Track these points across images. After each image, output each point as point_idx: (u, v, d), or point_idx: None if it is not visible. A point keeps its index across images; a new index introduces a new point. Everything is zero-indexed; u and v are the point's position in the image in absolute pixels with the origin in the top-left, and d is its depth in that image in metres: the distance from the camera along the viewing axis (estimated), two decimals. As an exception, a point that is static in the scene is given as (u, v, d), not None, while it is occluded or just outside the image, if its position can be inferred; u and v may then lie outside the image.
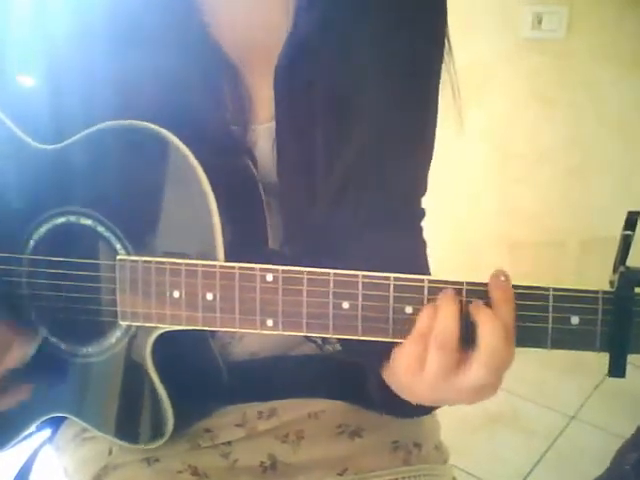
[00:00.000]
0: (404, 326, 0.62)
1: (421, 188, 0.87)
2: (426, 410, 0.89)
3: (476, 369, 0.60)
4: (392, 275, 0.61)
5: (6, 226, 0.77)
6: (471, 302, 0.61)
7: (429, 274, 0.80)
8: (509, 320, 0.59)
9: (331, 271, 0.63)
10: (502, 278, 0.60)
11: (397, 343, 0.64)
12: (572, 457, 2.00)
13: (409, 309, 0.61)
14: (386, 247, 0.79)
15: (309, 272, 0.63)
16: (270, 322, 0.66)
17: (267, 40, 0.76)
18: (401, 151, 0.79)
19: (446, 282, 0.61)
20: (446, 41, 0.80)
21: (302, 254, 0.79)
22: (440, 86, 0.81)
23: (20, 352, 0.76)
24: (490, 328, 0.59)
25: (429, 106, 0.82)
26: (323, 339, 0.87)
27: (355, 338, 0.64)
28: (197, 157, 0.67)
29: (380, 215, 0.80)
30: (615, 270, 0.58)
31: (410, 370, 0.63)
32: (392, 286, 0.61)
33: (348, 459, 0.84)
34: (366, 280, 0.62)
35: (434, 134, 0.84)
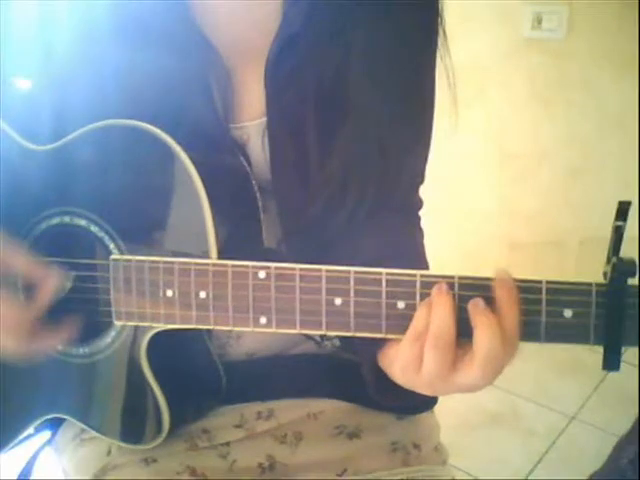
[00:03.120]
0: (397, 322, 0.62)
1: (419, 177, 0.87)
2: (425, 405, 0.89)
3: (472, 371, 0.59)
4: (384, 270, 0.61)
5: (1, 227, 0.77)
6: (469, 298, 0.60)
7: (427, 264, 0.80)
8: (510, 321, 0.58)
9: (323, 267, 0.63)
10: (507, 277, 0.59)
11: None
12: (572, 457, 2.00)
13: (401, 304, 0.61)
14: (386, 239, 0.80)
15: (301, 269, 0.63)
16: (263, 319, 0.65)
17: (258, 38, 0.76)
18: (396, 142, 0.79)
19: (438, 276, 0.60)
20: (441, 30, 0.80)
21: (300, 252, 0.79)
22: (436, 76, 0.81)
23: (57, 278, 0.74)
24: (488, 334, 0.58)
25: (423, 96, 0.83)
26: (321, 336, 0.87)
27: (349, 335, 0.64)
28: (189, 155, 0.67)
29: (379, 208, 0.80)
30: (609, 261, 0.58)
31: (408, 371, 0.62)
32: (384, 281, 0.61)
33: (347, 460, 0.84)
34: (358, 276, 0.62)
35: (430, 123, 0.84)
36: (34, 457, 0.91)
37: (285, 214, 0.79)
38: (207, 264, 0.66)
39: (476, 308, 0.59)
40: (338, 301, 0.63)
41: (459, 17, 2.19)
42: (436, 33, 0.81)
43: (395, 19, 0.77)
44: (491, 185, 2.56)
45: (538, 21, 2.35)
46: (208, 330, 0.77)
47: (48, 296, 0.72)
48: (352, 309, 0.62)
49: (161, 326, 0.71)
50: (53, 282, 0.73)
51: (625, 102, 2.33)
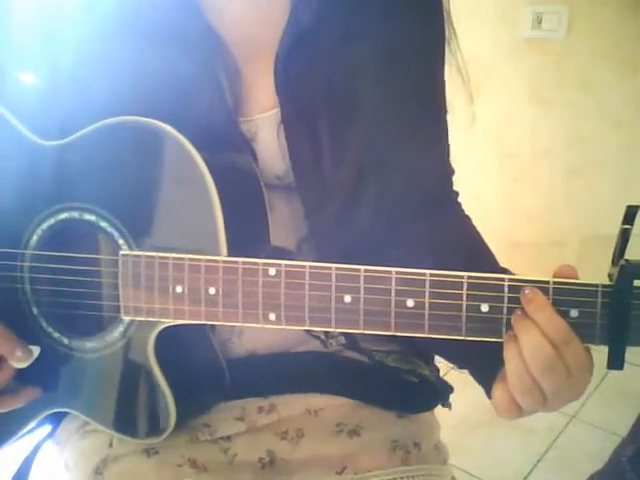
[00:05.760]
0: (406, 320, 0.62)
1: (443, 167, 0.88)
2: (427, 405, 0.90)
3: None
4: (393, 269, 0.62)
5: (9, 221, 0.77)
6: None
7: (485, 245, 0.83)
8: (550, 327, 0.59)
9: (333, 265, 0.63)
10: (527, 292, 0.60)
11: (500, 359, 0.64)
12: (572, 457, 2.00)
13: (410, 302, 0.62)
14: (430, 233, 0.82)
15: (311, 266, 0.64)
16: (273, 316, 0.66)
17: (266, 33, 0.77)
18: (408, 137, 0.80)
19: (447, 275, 0.61)
20: (447, 27, 0.82)
21: (330, 250, 0.80)
22: (448, 73, 0.82)
23: (25, 354, 0.77)
24: (528, 337, 0.60)
25: (434, 90, 0.84)
26: (326, 334, 0.87)
27: (358, 332, 0.65)
28: (200, 152, 0.68)
29: (407, 201, 0.81)
30: (614, 263, 0.59)
31: (536, 404, 0.63)
32: (394, 280, 0.62)
33: (347, 458, 0.83)
34: (368, 274, 0.62)
35: (443, 116, 0.85)
36: (34, 451, 0.91)
37: (309, 208, 0.80)
38: (217, 260, 0.67)
39: (515, 318, 0.60)
40: (348, 298, 0.63)
41: (459, 17, 2.20)
42: (443, 29, 0.82)
43: (403, 16, 0.78)
44: (491, 184, 2.57)
45: (538, 21, 2.35)
46: (212, 326, 0.78)
47: (10, 372, 0.76)
48: (362, 307, 0.63)
49: (169, 321, 0.71)
50: (18, 358, 0.76)
51: (625, 102, 2.33)
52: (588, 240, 2.46)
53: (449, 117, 0.85)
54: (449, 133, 0.86)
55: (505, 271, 0.71)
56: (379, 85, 0.77)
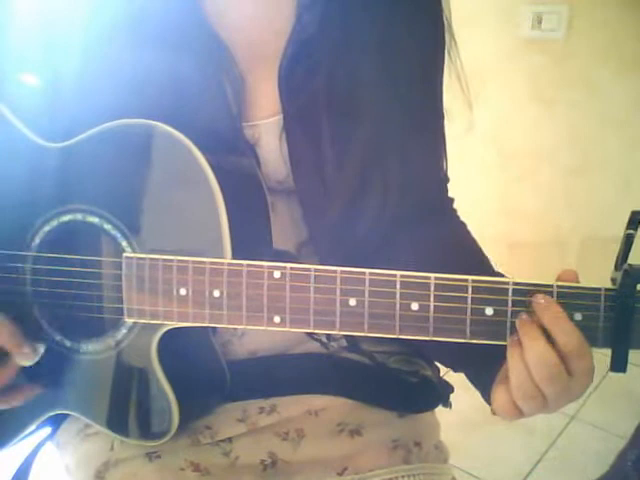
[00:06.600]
0: (410, 323, 0.63)
1: (439, 173, 0.88)
2: (428, 405, 0.90)
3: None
4: (398, 272, 0.62)
5: (12, 223, 0.77)
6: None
7: (481, 250, 0.83)
8: (565, 337, 0.59)
9: (338, 268, 0.63)
10: (541, 300, 0.60)
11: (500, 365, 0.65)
12: (572, 457, 2.00)
13: (415, 306, 0.62)
14: (427, 239, 0.82)
15: (316, 269, 0.64)
16: (277, 319, 0.66)
17: (271, 40, 0.77)
18: (408, 143, 0.81)
19: (451, 279, 0.61)
20: (447, 35, 0.82)
21: (330, 253, 0.80)
22: (444, 75, 0.83)
23: (32, 351, 0.77)
24: (531, 344, 0.60)
25: (431, 93, 0.84)
26: (327, 336, 0.87)
27: (361, 335, 0.65)
28: (204, 155, 0.68)
29: (407, 207, 0.81)
30: (617, 268, 0.59)
31: (537, 408, 0.63)
32: (398, 283, 0.62)
33: (348, 458, 0.83)
34: (373, 277, 0.63)
35: (441, 123, 0.86)
36: (34, 452, 0.91)
37: (308, 212, 0.80)
38: (222, 263, 0.67)
39: (520, 322, 0.61)
40: (352, 302, 0.63)
41: (459, 18, 2.20)
42: (443, 37, 0.83)
43: (405, 25, 0.78)
44: (491, 185, 2.57)
45: (538, 21, 2.35)
46: (213, 327, 0.78)
47: (14, 370, 0.76)
48: (366, 310, 0.63)
49: (173, 324, 0.71)
50: (24, 355, 0.76)
51: (625, 101, 2.34)
52: (588, 240, 2.46)
53: (446, 123, 0.86)
54: (446, 140, 0.87)
55: (500, 276, 0.71)
56: (380, 91, 0.78)
